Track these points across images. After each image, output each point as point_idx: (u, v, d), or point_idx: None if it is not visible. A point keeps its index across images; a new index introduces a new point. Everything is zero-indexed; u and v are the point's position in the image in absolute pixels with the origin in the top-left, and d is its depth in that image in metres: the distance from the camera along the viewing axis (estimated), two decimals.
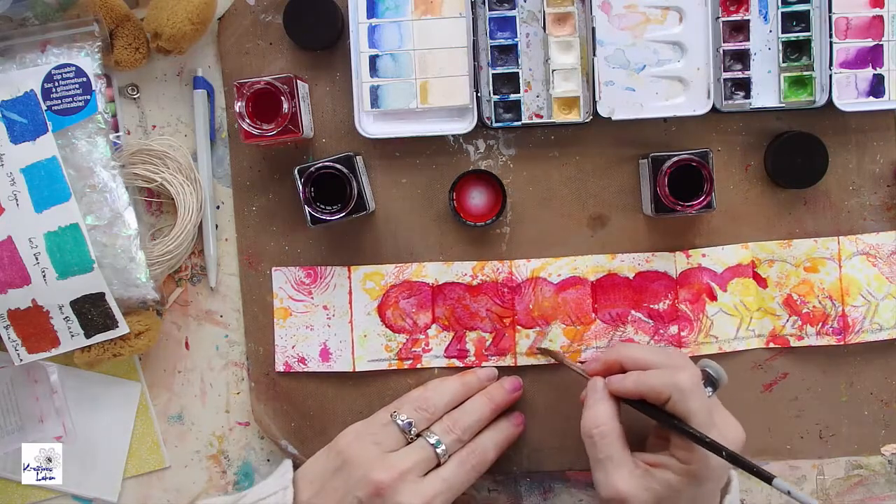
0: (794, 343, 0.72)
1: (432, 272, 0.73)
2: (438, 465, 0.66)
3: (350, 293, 0.74)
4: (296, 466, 0.73)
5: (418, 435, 0.67)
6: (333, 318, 0.74)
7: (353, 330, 0.74)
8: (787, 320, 0.72)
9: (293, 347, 0.74)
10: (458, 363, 0.73)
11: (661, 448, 0.64)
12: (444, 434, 0.67)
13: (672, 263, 0.72)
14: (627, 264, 0.72)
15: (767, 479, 0.57)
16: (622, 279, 0.72)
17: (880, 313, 0.72)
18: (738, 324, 0.72)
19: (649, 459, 0.63)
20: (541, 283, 0.73)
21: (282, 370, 0.74)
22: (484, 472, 0.68)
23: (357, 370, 0.73)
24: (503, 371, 0.73)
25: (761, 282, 0.72)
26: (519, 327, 0.73)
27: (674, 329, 0.72)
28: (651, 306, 0.72)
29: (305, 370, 0.74)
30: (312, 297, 0.74)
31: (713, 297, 0.72)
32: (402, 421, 0.67)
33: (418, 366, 0.73)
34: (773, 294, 0.72)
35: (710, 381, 0.64)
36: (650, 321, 0.72)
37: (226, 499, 0.69)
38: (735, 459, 0.59)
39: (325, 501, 0.65)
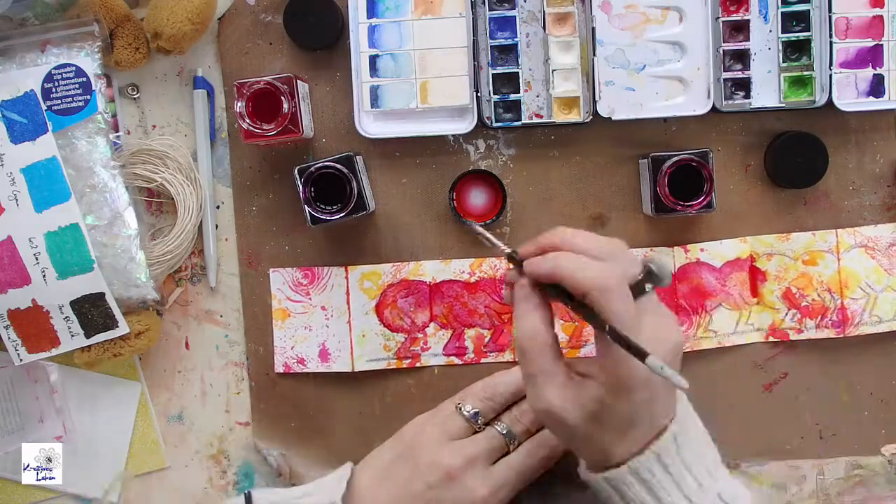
0: (793, 336, 0.72)
1: (430, 270, 0.73)
2: (507, 451, 0.66)
3: (347, 293, 0.74)
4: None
5: (486, 424, 0.67)
6: (332, 319, 0.74)
7: (352, 330, 0.74)
8: (787, 314, 0.72)
9: (292, 348, 0.74)
10: (456, 360, 0.73)
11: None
12: (513, 423, 0.67)
13: (670, 259, 0.72)
14: None
15: (642, 355, 0.50)
16: None
17: (879, 305, 0.72)
18: (738, 318, 0.72)
19: (581, 369, 0.56)
20: None
21: (281, 371, 0.74)
22: (553, 463, 0.67)
23: (356, 370, 0.73)
24: (502, 367, 0.73)
25: (760, 275, 0.72)
26: None
27: None
28: None
29: (305, 371, 0.74)
30: (310, 298, 0.74)
31: (712, 293, 0.72)
32: (468, 411, 0.67)
33: (417, 364, 0.73)
34: (772, 288, 0.72)
35: (650, 276, 0.55)
36: None
37: (282, 492, 0.68)
38: (618, 337, 0.51)
39: (388, 487, 0.64)
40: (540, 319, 0.56)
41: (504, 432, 0.66)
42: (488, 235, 0.61)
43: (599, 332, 0.53)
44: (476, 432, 0.67)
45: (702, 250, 0.72)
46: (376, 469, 0.66)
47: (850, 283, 0.72)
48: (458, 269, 0.73)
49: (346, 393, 0.74)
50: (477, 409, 0.67)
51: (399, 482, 0.64)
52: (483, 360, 0.73)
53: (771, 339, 0.72)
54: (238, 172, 0.74)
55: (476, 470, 0.64)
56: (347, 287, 0.74)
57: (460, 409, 0.67)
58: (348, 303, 0.74)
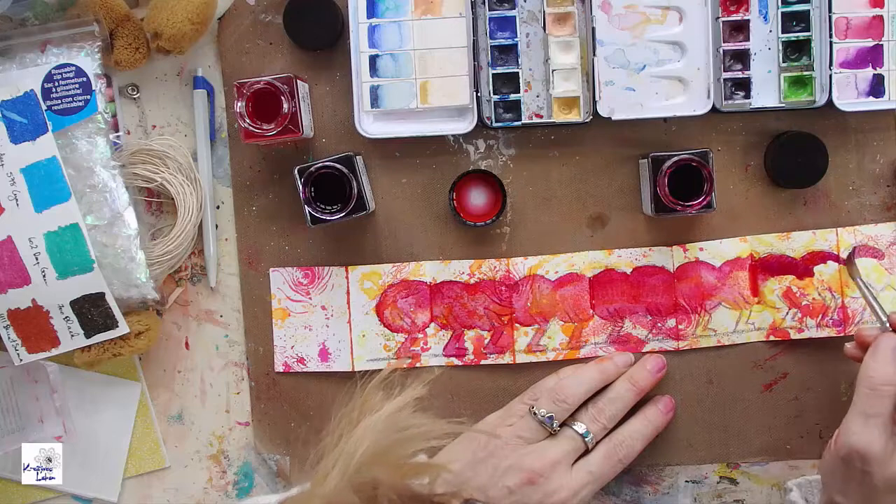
0: (794, 336, 0.72)
1: (430, 271, 0.73)
2: (585, 451, 0.67)
3: (348, 293, 0.74)
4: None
5: (562, 425, 0.67)
6: (332, 319, 0.74)
7: (352, 330, 0.74)
8: (787, 313, 0.72)
9: (292, 348, 0.74)
10: (456, 361, 0.73)
11: None
12: (590, 423, 0.67)
13: (669, 258, 0.72)
14: (625, 259, 0.72)
15: None
16: (619, 274, 0.72)
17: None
18: (738, 317, 0.72)
19: None
20: (538, 280, 0.73)
21: (281, 370, 0.74)
22: (630, 462, 0.68)
23: (356, 370, 0.73)
24: (502, 369, 0.73)
25: (761, 274, 0.72)
26: (517, 325, 0.73)
27: (671, 322, 0.72)
28: (649, 300, 0.72)
29: (305, 370, 0.74)
30: (310, 298, 0.74)
31: (712, 292, 0.72)
32: (543, 415, 0.67)
33: (417, 365, 0.73)
34: (773, 287, 0.72)
35: None
36: (648, 315, 0.72)
37: None
38: None
39: (468, 487, 0.65)
40: None
41: (582, 432, 0.67)
42: (874, 303, 0.66)
43: None
44: (551, 434, 0.67)
45: (701, 249, 0.72)
46: (453, 471, 0.66)
47: (851, 283, 0.72)
48: (458, 270, 0.73)
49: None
50: (552, 414, 0.67)
51: (479, 484, 0.64)
52: (483, 362, 0.73)
53: (772, 338, 0.72)
54: (238, 172, 0.74)
55: (557, 473, 0.64)
56: (348, 287, 0.74)
57: (534, 412, 0.67)
58: (348, 303, 0.74)
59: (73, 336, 0.71)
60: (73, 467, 0.74)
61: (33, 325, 0.70)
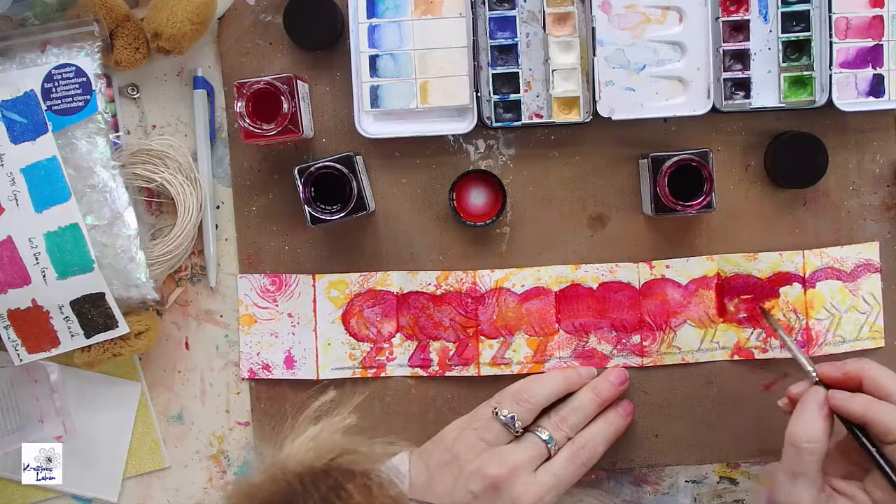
0: (758, 356, 0.72)
1: (396, 281, 0.73)
2: (548, 457, 0.67)
3: (314, 301, 0.73)
4: None
5: (525, 429, 0.67)
6: (298, 326, 0.74)
7: (318, 338, 0.73)
8: (752, 333, 0.72)
9: (258, 354, 0.74)
10: (421, 372, 0.73)
11: (845, 470, 0.62)
12: (554, 430, 0.67)
13: (636, 274, 0.72)
14: (591, 275, 0.72)
15: None
16: (586, 290, 0.72)
17: (843, 326, 0.72)
18: (703, 335, 0.72)
19: (839, 486, 0.61)
20: (504, 293, 0.72)
21: (246, 377, 0.74)
22: (592, 465, 0.68)
23: (321, 378, 0.73)
24: (466, 381, 0.73)
25: (727, 294, 0.72)
26: (482, 337, 0.73)
27: (636, 339, 0.72)
28: (614, 316, 0.72)
29: (270, 377, 0.74)
30: (277, 305, 0.74)
31: (677, 309, 0.72)
32: (506, 416, 0.67)
33: (382, 374, 0.73)
34: (739, 306, 0.72)
35: None
36: (613, 331, 0.72)
37: None
38: None
39: (434, 493, 0.65)
40: (824, 429, 0.60)
41: (545, 438, 0.67)
42: (798, 355, 0.65)
43: (887, 479, 0.58)
44: (515, 436, 0.67)
45: (667, 267, 0.72)
46: (421, 473, 0.66)
47: (816, 304, 0.72)
48: (425, 280, 0.73)
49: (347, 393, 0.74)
50: (514, 414, 0.67)
51: (444, 489, 0.65)
52: (448, 374, 0.73)
53: (736, 357, 0.72)
54: (238, 172, 0.74)
55: (521, 478, 0.64)
56: (314, 295, 0.73)
57: (497, 413, 0.67)
58: (315, 311, 0.74)
59: (73, 336, 0.71)
60: (73, 467, 0.74)
61: (33, 325, 0.70)
